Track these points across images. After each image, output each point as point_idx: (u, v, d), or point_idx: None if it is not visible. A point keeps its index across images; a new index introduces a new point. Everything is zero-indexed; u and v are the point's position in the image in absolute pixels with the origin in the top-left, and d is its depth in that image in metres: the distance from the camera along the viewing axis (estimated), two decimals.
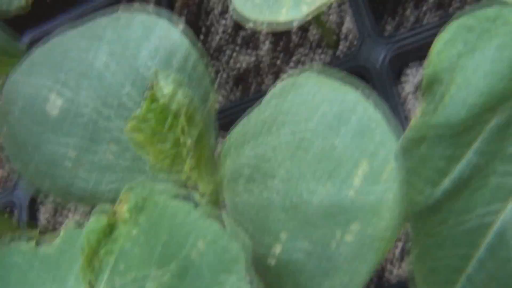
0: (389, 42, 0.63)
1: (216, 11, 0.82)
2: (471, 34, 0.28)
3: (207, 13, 0.82)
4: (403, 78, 0.66)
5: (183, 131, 0.37)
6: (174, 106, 0.36)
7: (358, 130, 0.30)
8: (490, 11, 0.28)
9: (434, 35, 0.61)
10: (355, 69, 0.64)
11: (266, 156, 0.34)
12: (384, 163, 0.29)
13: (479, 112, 0.25)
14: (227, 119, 0.70)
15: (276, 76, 0.73)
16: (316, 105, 0.32)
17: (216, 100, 0.47)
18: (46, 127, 0.44)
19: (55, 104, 0.42)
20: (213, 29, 0.81)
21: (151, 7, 0.49)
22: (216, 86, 0.78)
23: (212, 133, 0.46)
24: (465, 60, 0.25)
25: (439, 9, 0.66)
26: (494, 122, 0.26)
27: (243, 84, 0.75)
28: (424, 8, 0.67)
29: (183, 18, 0.83)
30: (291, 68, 0.72)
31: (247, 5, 0.43)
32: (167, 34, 0.42)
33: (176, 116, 0.37)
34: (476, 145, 0.27)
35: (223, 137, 0.74)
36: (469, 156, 0.27)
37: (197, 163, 0.39)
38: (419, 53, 0.64)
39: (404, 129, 0.61)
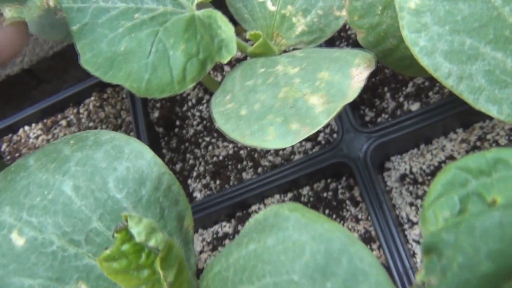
0: (371, 133, 0.62)
1: (190, 103, 0.80)
2: (468, 185, 0.26)
3: (181, 105, 0.81)
4: (386, 167, 0.64)
5: (159, 272, 0.34)
6: (146, 250, 0.33)
7: (347, 280, 0.28)
8: (489, 155, 0.26)
9: (414, 125, 0.62)
10: (337, 161, 0.63)
11: None
12: None
13: (491, 279, 0.23)
14: (206, 211, 0.67)
15: (255, 168, 0.71)
16: (300, 249, 0.29)
17: (192, 219, 0.44)
18: (10, 265, 0.40)
19: (17, 243, 0.39)
20: (187, 121, 0.79)
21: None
22: (193, 178, 0.75)
23: (192, 254, 0.43)
24: (469, 223, 0.23)
25: (416, 98, 0.66)
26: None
27: (221, 176, 0.73)
28: (401, 99, 0.66)
29: (156, 112, 0.82)
30: (269, 161, 0.70)
31: (229, 125, 0.41)
32: (135, 163, 0.40)
33: (149, 255, 0.34)
34: None
35: (201, 234, 0.72)
36: None
37: None
38: (400, 142, 0.63)
39: (392, 216, 0.59)
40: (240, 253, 0.32)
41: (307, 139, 0.69)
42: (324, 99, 0.39)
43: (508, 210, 0.22)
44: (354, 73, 0.41)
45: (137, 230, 0.31)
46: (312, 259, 0.28)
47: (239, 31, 0.80)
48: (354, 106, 0.68)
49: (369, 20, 0.44)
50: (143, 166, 0.40)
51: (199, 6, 0.54)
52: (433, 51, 0.32)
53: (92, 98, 0.88)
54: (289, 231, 0.30)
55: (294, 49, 0.54)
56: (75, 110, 0.88)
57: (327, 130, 0.69)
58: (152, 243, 0.31)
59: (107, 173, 0.39)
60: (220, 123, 0.43)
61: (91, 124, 0.86)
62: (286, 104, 0.40)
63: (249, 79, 0.45)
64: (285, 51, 0.55)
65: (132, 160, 0.40)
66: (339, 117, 0.65)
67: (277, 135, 0.38)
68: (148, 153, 0.41)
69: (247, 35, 0.52)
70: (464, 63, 0.32)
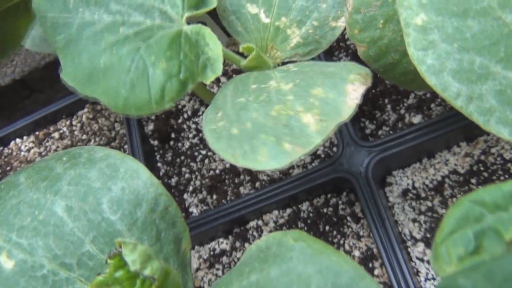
0: (372, 147, 0.61)
1: (186, 115, 0.79)
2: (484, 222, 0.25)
3: (176, 118, 0.80)
4: (388, 182, 0.63)
5: None
6: (141, 277, 0.32)
7: None
8: (505, 188, 0.25)
9: (416, 139, 0.61)
10: (338, 176, 0.62)
11: None
12: None
13: None
14: (202, 227, 0.66)
15: (253, 182, 0.70)
16: (305, 282, 0.28)
17: (190, 242, 0.43)
18: None
19: (6, 266, 0.38)
20: (183, 134, 0.78)
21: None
22: (189, 193, 0.74)
23: (190, 278, 0.41)
24: (488, 268, 0.21)
25: (418, 110, 0.65)
26: None
27: (218, 190, 0.72)
28: (402, 111, 0.66)
29: (151, 124, 0.81)
30: (267, 175, 0.69)
31: (220, 144, 0.40)
32: (130, 184, 0.39)
33: (144, 282, 0.33)
34: None
35: (198, 250, 0.70)
36: None
37: None
38: (402, 156, 0.62)
39: (394, 233, 0.58)
40: (241, 283, 0.31)
41: None
42: (318, 117, 0.37)
43: None
44: (349, 90, 0.40)
45: (132, 258, 0.30)
46: None
47: (232, 42, 0.79)
48: (354, 118, 0.67)
49: (370, 33, 0.43)
50: (139, 186, 0.39)
51: (190, 20, 0.53)
52: (441, 70, 0.31)
53: (86, 109, 0.87)
54: (294, 263, 0.29)
55: (289, 62, 0.53)
56: (68, 122, 0.87)
57: (327, 144, 0.68)
58: (147, 271, 0.30)
59: (101, 193, 0.38)
60: (211, 141, 0.41)
61: (84, 136, 0.84)
62: (279, 123, 0.39)
63: (240, 96, 0.44)
64: (283, 63, 0.54)
65: (128, 180, 0.39)
66: (339, 130, 0.64)
67: (270, 156, 0.37)
68: (144, 173, 0.39)
69: (240, 49, 0.51)
70: (473, 82, 0.31)
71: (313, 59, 0.55)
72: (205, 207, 0.71)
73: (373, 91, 0.69)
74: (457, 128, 0.58)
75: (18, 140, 0.88)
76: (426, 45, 0.32)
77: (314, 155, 0.68)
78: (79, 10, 0.50)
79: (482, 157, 0.60)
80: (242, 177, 0.71)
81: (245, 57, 0.53)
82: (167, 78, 0.47)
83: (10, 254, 0.38)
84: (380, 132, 0.66)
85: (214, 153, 0.75)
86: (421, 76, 0.35)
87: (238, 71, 0.56)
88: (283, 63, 0.54)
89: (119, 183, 0.38)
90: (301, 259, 0.29)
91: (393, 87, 0.69)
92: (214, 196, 0.72)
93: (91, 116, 0.86)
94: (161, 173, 0.77)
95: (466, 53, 0.31)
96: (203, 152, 0.75)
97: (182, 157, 0.76)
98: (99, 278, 0.33)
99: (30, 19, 0.63)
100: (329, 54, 0.72)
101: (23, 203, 0.40)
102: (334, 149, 0.67)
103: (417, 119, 0.64)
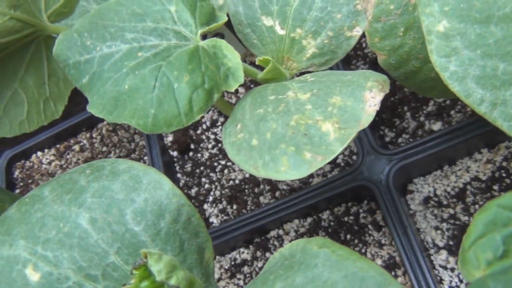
0: (392, 155, 0.61)
1: (205, 126, 0.80)
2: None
3: (195, 128, 0.80)
4: (409, 190, 0.63)
5: None
6: (166, 286, 0.32)
7: None
8: None
9: (437, 146, 0.60)
10: (358, 184, 0.61)
11: None
12: None
13: None
14: (223, 238, 0.66)
15: (273, 192, 0.70)
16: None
17: (213, 251, 0.43)
18: None
19: (32, 278, 0.38)
20: (202, 144, 0.79)
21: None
22: (209, 203, 0.74)
23: (213, 287, 0.42)
24: None
25: (438, 117, 0.64)
26: None
27: (238, 200, 0.72)
28: (422, 118, 0.65)
29: (170, 135, 0.81)
30: (287, 185, 0.69)
31: (241, 156, 0.40)
32: (153, 194, 0.39)
33: None
34: None
35: (219, 260, 0.70)
36: None
37: None
38: (423, 164, 0.61)
39: (416, 241, 0.58)
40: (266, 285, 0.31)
41: None
42: (337, 125, 0.37)
43: None
44: (367, 97, 0.40)
45: (157, 268, 0.30)
46: None
47: (249, 53, 0.79)
48: (374, 126, 0.67)
49: (390, 42, 0.43)
50: (162, 197, 0.39)
51: (205, 36, 0.53)
52: (464, 76, 0.31)
53: (105, 122, 0.88)
54: (319, 269, 0.29)
55: (306, 72, 0.53)
56: (88, 135, 0.88)
57: (347, 152, 0.68)
58: (173, 281, 0.30)
59: (124, 205, 0.39)
60: (232, 154, 0.42)
61: (104, 148, 0.85)
62: (298, 132, 0.39)
63: (259, 107, 0.44)
64: (300, 74, 0.54)
65: (151, 191, 0.39)
66: (358, 139, 0.64)
67: (291, 166, 0.37)
68: (166, 184, 0.40)
69: (257, 61, 0.51)
70: (497, 88, 0.31)
71: (330, 68, 0.55)
72: (225, 217, 0.72)
73: (392, 98, 0.69)
74: (478, 134, 0.57)
75: (39, 153, 0.89)
76: (449, 52, 0.32)
77: (334, 163, 0.68)
78: (97, 49, 0.51)
79: (504, 164, 0.59)
80: (262, 186, 0.71)
81: (262, 69, 0.53)
82: (193, 89, 0.47)
83: (36, 266, 0.38)
84: (400, 140, 0.66)
85: (233, 163, 0.75)
86: (442, 83, 0.35)
87: (255, 81, 0.56)
88: (300, 74, 0.54)
89: (142, 194, 0.39)
90: (326, 266, 0.29)
91: (412, 95, 0.68)
92: (234, 206, 0.72)
93: (110, 128, 0.87)
94: (181, 184, 0.77)
95: (489, 59, 0.31)
96: (222, 162, 0.76)
97: (202, 168, 0.77)
98: None
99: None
100: (347, 63, 0.72)
101: (48, 216, 0.40)
102: (354, 157, 0.67)
103: (437, 126, 0.64)
